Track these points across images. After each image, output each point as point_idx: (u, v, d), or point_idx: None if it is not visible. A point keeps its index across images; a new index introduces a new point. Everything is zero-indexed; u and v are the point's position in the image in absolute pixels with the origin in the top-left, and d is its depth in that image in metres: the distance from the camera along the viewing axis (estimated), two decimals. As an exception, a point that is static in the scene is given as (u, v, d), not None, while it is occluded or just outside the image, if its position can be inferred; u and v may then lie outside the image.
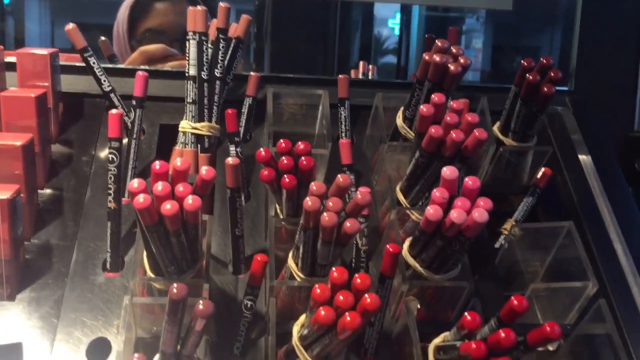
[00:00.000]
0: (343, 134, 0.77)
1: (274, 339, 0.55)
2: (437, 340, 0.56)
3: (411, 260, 0.60)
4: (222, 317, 0.62)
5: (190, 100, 0.73)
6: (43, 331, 0.59)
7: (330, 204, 0.51)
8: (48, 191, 0.69)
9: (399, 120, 0.72)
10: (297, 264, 0.58)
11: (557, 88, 0.69)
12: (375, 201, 0.73)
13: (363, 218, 0.67)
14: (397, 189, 0.68)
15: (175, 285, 0.44)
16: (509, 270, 0.71)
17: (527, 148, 0.72)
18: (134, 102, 0.71)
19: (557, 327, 0.46)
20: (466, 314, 0.49)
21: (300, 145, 0.56)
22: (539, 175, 0.75)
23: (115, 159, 0.63)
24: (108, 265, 0.64)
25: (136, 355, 0.50)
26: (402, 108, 0.73)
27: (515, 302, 0.48)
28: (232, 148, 0.71)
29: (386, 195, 0.70)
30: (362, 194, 0.51)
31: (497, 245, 0.73)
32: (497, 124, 0.74)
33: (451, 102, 0.60)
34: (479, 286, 0.63)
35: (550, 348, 0.60)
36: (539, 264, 0.71)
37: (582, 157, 0.76)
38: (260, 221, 0.70)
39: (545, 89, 0.65)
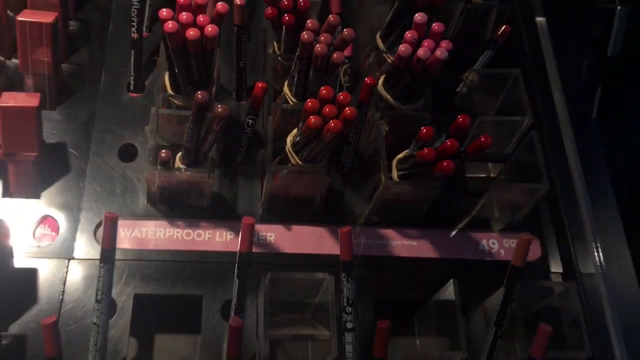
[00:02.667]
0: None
1: (270, 151, 0.69)
2: (399, 155, 0.71)
3: (384, 93, 0.73)
4: (227, 134, 0.76)
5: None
6: (80, 135, 0.73)
7: (322, 37, 0.63)
8: (76, 23, 0.80)
9: (383, -28, 0.83)
10: (291, 91, 0.71)
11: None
12: (358, 47, 0.85)
13: (347, 59, 0.79)
14: (377, 35, 0.80)
15: (199, 92, 0.57)
16: (466, 109, 0.85)
17: (490, 6, 0.83)
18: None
19: (490, 138, 0.60)
20: (422, 128, 0.63)
21: (299, -12, 0.67)
22: (500, 31, 0.87)
23: (137, -5, 0.73)
24: (132, 87, 0.76)
25: (164, 150, 0.64)
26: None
27: (461, 119, 0.62)
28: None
29: (368, 41, 0.82)
30: (347, 31, 0.63)
31: (458, 89, 0.86)
32: (468, -16, 0.84)
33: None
34: (441, 120, 0.76)
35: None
36: (492, 106, 0.85)
37: (539, 19, 0.88)
38: (258, 60, 0.82)
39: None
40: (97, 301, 0.57)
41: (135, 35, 0.74)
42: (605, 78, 1.13)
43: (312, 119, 0.59)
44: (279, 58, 0.75)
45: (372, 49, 0.80)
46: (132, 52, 0.75)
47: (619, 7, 1.09)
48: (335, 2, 0.81)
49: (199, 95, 0.57)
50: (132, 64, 0.75)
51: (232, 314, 0.58)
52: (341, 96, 0.59)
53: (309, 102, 0.60)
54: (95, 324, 0.57)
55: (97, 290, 0.56)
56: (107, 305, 0.57)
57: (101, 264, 0.56)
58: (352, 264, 0.60)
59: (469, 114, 0.83)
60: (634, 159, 1.15)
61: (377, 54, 0.77)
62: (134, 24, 0.74)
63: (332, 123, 0.58)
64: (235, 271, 0.59)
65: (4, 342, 0.60)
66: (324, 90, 0.60)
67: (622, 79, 1.11)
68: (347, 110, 0.59)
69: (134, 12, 0.74)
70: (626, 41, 1.11)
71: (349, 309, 0.61)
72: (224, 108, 0.58)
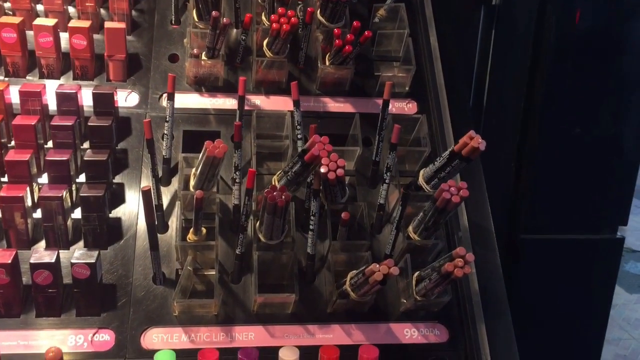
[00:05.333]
0: None
1: (254, 54, 1.22)
2: (329, 53, 1.24)
3: (320, 17, 1.26)
4: (231, 46, 1.29)
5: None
6: (146, 49, 1.26)
7: (279, -17, 1.16)
8: (136, -14, 1.34)
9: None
10: (266, 18, 1.24)
11: None
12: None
13: None
14: (319, -13, 1.33)
15: (214, 11, 1.10)
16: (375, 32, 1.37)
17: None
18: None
19: (370, 32, 1.13)
20: (335, 29, 1.16)
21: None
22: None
23: (175, -34, 1.27)
24: (173, 22, 1.29)
25: (195, 49, 1.17)
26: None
27: (355, 24, 1.14)
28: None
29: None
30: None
31: (374, 20, 1.38)
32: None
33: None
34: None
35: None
36: (393, 28, 1.37)
37: (423, -26, 1.40)
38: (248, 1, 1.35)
39: None
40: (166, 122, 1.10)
41: (174, -11, 1.28)
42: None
43: (274, 25, 1.12)
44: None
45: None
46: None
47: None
48: None
49: (214, 13, 1.10)
50: (173, 6, 1.28)
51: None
52: (289, 12, 1.12)
53: (273, 17, 1.13)
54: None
55: (167, 118, 1.10)
56: (170, 129, 1.10)
57: (167, 102, 1.09)
58: (298, 102, 1.13)
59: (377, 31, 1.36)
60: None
61: (318, -3, 1.30)
62: (173, -19, 1.28)
63: (284, 26, 1.11)
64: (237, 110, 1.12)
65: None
66: (280, 10, 1.13)
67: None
68: (292, 19, 1.12)
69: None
70: None
71: (298, 127, 1.14)
72: (227, 19, 1.11)
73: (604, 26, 1.63)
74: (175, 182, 1.13)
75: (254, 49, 1.23)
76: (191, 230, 1.03)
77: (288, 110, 1.18)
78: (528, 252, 1.70)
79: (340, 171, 1.02)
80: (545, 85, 1.66)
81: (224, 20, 1.11)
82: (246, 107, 1.22)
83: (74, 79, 1.20)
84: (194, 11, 1.22)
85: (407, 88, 1.29)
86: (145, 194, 0.95)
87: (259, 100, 1.24)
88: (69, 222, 1.05)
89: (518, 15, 1.66)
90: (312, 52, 1.30)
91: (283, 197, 0.97)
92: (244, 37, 1.25)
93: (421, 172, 1.12)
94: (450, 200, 0.98)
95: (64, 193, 1.02)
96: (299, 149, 1.10)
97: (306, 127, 1.13)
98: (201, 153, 1.01)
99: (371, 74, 1.31)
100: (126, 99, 1.21)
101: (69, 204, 1.05)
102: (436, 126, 1.25)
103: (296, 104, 1.14)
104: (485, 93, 1.70)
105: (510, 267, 1.60)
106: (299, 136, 1.15)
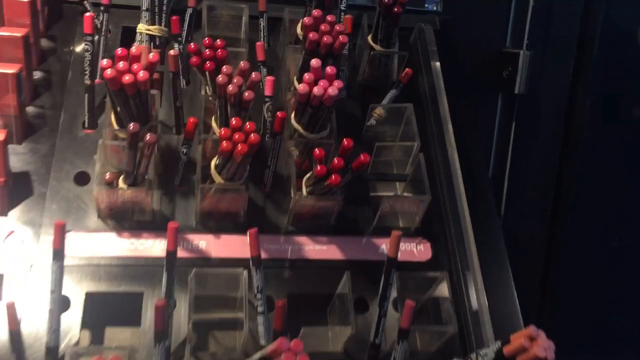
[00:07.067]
0: (262, 39, 1.04)
1: (199, 174, 0.84)
2: (307, 175, 0.86)
3: (295, 124, 0.88)
4: (167, 162, 0.90)
5: (145, 8, 0.98)
6: (42, 165, 0.87)
7: (235, 80, 0.79)
8: (40, 73, 0.95)
9: (299, 29, 0.99)
10: (217, 124, 0.86)
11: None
12: (282, 88, 1.01)
13: (269, 98, 0.94)
14: (294, 78, 0.96)
15: (131, 124, 0.72)
16: (375, 139, 1.01)
17: (389, 52, 1.00)
18: (102, 8, 0.96)
19: (367, 156, 0.75)
20: (316, 149, 0.78)
21: (218, 41, 0.83)
22: (403, 73, 1.03)
23: (89, 49, 0.89)
24: (86, 125, 0.91)
25: (108, 173, 0.78)
26: (301, 19, 0.99)
27: (345, 142, 0.77)
28: (175, 45, 0.97)
29: (288, 84, 0.98)
30: (255, 74, 0.79)
31: (368, 123, 1.02)
32: (370, 34, 1.01)
33: (327, 16, 0.87)
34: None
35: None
36: (396, 135, 1.01)
37: (434, 63, 1.05)
38: (196, 100, 0.98)
39: (395, 9, 0.93)
40: (51, 292, 0.70)
41: (88, 82, 0.90)
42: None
43: (224, 143, 0.74)
44: (210, 98, 0.90)
45: (292, 90, 0.96)
46: (86, 95, 0.90)
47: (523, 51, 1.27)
48: (260, 52, 0.97)
49: (131, 127, 0.72)
50: (86, 105, 0.90)
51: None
52: (248, 125, 0.75)
53: (222, 131, 0.75)
54: (50, 310, 0.70)
55: (51, 282, 0.70)
56: (58, 297, 0.70)
57: (53, 262, 0.70)
58: (259, 259, 0.75)
59: (376, 142, 1.00)
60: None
61: (292, 92, 0.93)
62: (87, 72, 0.90)
63: (239, 146, 0.74)
64: (164, 265, 0.73)
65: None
66: (233, 121, 0.75)
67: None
68: (252, 136, 0.74)
69: (86, 62, 0.89)
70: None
71: (259, 296, 0.75)
72: (152, 136, 0.73)
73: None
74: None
75: (199, 167, 0.84)
76: None
77: (243, 269, 0.79)
78: None
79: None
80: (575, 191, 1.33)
81: (148, 137, 0.73)
82: (185, 255, 0.83)
83: None
84: (112, 114, 0.84)
85: (417, 222, 0.91)
86: None
87: (204, 242, 0.86)
88: None
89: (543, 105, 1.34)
90: (282, 170, 0.92)
91: None
92: (185, 150, 0.87)
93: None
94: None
95: None
96: (261, 341, 0.71)
97: (274, 287, 0.75)
98: None
99: (365, 198, 0.93)
100: (5, 240, 0.81)
101: None
102: (461, 286, 0.86)
103: (255, 261, 0.75)
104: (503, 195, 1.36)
105: None
106: (260, 308, 0.76)
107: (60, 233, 0.69)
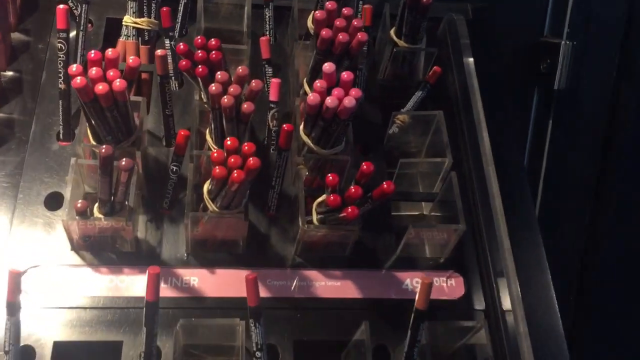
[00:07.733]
0: (267, 32, 0.89)
1: (189, 197, 0.71)
2: (319, 199, 0.72)
3: (305, 138, 0.75)
4: (155, 179, 0.77)
5: (131, -3, 0.84)
6: (8, 186, 0.74)
7: (231, 89, 0.65)
8: (10, 73, 0.82)
9: (309, 22, 0.85)
10: (212, 138, 0.73)
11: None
12: (292, 91, 0.87)
13: (274, 104, 0.81)
14: (304, 80, 0.82)
15: (103, 146, 0.59)
16: (398, 150, 0.87)
17: (416, 49, 0.85)
18: (81, -3, 0.83)
19: (392, 184, 0.62)
20: (329, 175, 0.65)
21: (212, 41, 0.69)
22: (430, 72, 0.89)
23: (63, 47, 0.76)
24: (61, 136, 0.78)
25: (80, 201, 0.65)
26: (312, 11, 0.85)
27: (365, 166, 0.63)
28: (167, 42, 0.84)
29: (297, 86, 0.84)
30: (255, 82, 0.65)
31: (390, 131, 0.88)
32: (394, 28, 0.87)
33: (343, 9, 0.73)
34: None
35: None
36: (423, 146, 0.87)
37: (467, 60, 0.90)
38: (190, 104, 0.84)
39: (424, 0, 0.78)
40: (5, 352, 0.58)
41: (62, 86, 0.76)
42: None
43: (216, 169, 0.61)
44: (205, 106, 0.77)
45: (302, 94, 0.82)
46: (60, 102, 0.77)
47: (564, 42, 1.12)
48: (264, 48, 0.83)
49: (102, 150, 0.58)
50: (61, 113, 0.77)
51: (142, 361, 0.60)
52: (246, 147, 0.61)
53: (215, 154, 0.62)
54: (3, 374, 0.58)
55: (5, 341, 0.58)
56: (15, 355, 0.58)
57: (7, 317, 0.57)
58: (259, 310, 0.61)
59: (399, 154, 0.86)
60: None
61: (302, 98, 0.79)
62: (61, 74, 0.76)
63: (235, 173, 0.60)
64: (143, 320, 0.60)
65: None
66: (229, 142, 0.61)
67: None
68: (250, 160, 0.60)
69: (60, 63, 0.76)
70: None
71: (258, 354, 0.62)
72: (128, 161, 0.59)
73: None
74: None
75: (189, 189, 0.71)
76: None
77: (240, 319, 0.65)
78: None
79: None
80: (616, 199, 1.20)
81: (123, 162, 0.60)
82: (173, 294, 0.71)
83: None
84: (88, 128, 0.71)
85: (447, 252, 0.78)
86: None
87: (196, 279, 0.73)
88: None
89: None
90: (289, 189, 0.79)
91: None
92: (174, 169, 0.74)
93: None
94: None
95: None
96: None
97: (277, 333, 0.62)
98: None
99: (386, 221, 0.80)
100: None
101: None
102: (500, 330, 0.73)
103: (254, 312, 0.62)
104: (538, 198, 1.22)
105: None
106: (260, 366, 0.63)
107: (14, 282, 0.56)
